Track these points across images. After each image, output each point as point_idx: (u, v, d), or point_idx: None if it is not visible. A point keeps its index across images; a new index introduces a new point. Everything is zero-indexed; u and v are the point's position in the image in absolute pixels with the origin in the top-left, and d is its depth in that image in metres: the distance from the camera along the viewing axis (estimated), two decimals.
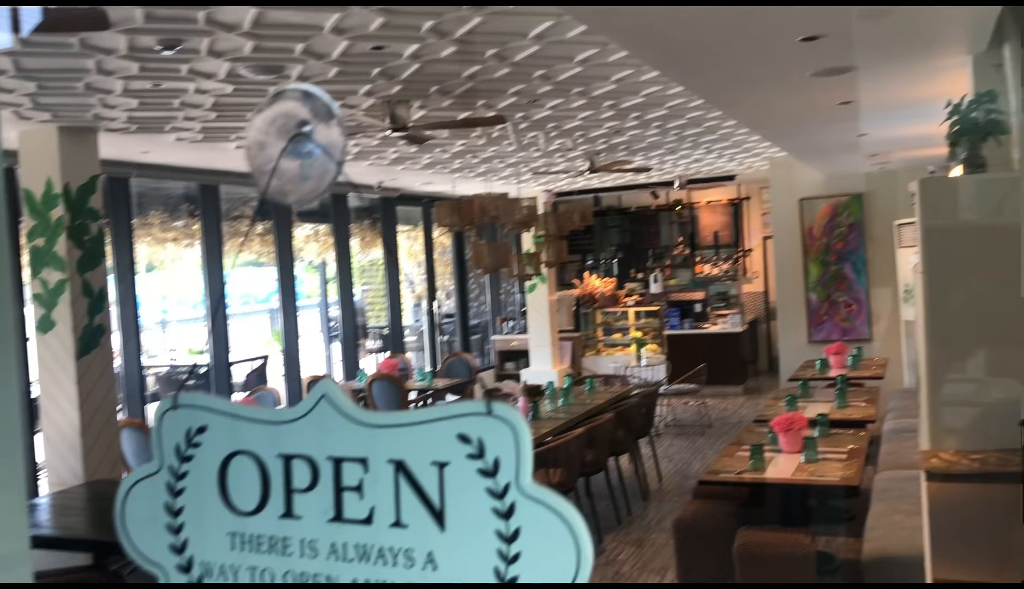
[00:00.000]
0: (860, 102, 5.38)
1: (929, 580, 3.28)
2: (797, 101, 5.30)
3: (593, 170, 9.06)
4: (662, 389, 10.27)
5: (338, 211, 10.87)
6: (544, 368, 12.53)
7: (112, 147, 6.76)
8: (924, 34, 3.85)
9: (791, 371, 9.31)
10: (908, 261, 8.81)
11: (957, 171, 3.56)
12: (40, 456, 6.30)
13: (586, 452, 6.64)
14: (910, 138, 7.30)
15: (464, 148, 8.27)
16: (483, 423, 1.17)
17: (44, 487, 6.22)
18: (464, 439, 1.19)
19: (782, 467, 5.17)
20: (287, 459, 1.30)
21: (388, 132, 5.84)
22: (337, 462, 1.27)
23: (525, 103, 6.08)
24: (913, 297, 7.64)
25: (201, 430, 1.36)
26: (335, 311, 11.29)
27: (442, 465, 1.20)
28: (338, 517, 1.27)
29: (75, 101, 5.23)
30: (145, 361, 8.45)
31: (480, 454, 1.18)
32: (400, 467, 1.22)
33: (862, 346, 9.43)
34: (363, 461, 1.25)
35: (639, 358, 11.76)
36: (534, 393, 7.40)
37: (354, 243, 11.37)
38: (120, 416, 6.55)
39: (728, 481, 5.11)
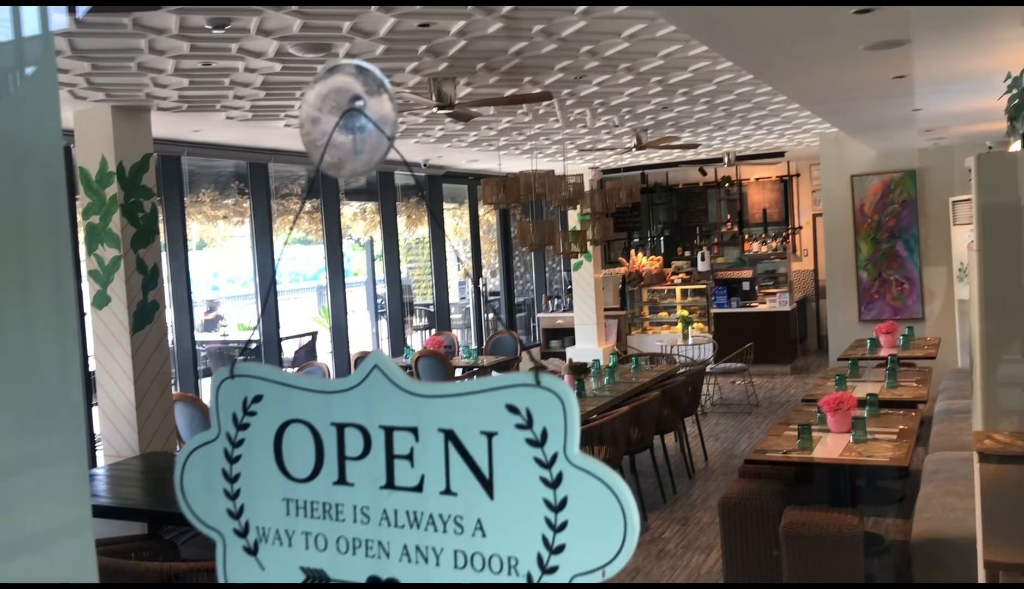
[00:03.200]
0: (915, 76, 5.26)
1: (981, 563, 3.24)
2: (850, 76, 5.20)
3: (640, 147, 9.00)
4: (709, 368, 10.22)
5: (385, 189, 10.95)
6: (589, 346, 12.52)
7: (164, 126, 6.88)
8: (982, 5, 3.75)
9: (840, 350, 9.19)
10: (963, 239, 8.64)
11: (1016, 146, 3.48)
12: (97, 428, 6.47)
13: (632, 430, 6.64)
14: (967, 113, 7.13)
15: (510, 125, 8.26)
16: (531, 394, 1.19)
17: (101, 459, 6.39)
18: (512, 409, 1.20)
19: (830, 447, 5.12)
20: (340, 428, 1.33)
21: (434, 109, 5.86)
22: (388, 431, 1.29)
23: (572, 79, 6.05)
24: (967, 276, 7.48)
25: (257, 399, 1.39)
26: (382, 288, 11.40)
27: (491, 435, 1.22)
28: (389, 484, 1.30)
29: (128, 80, 5.32)
30: (197, 337, 8.62)
31: (528, 424, 1.19)
32: (450, 436, 1.24)
33: (914, 325, 9.27)
34: (414, 430, 1.27)
35: (685, 336, 11.70)
36: (579, 371, 7.39)
37: (401, 221, 11.45)
38: (173, 390, 6.69)
39: (775, 460, 5.08)
